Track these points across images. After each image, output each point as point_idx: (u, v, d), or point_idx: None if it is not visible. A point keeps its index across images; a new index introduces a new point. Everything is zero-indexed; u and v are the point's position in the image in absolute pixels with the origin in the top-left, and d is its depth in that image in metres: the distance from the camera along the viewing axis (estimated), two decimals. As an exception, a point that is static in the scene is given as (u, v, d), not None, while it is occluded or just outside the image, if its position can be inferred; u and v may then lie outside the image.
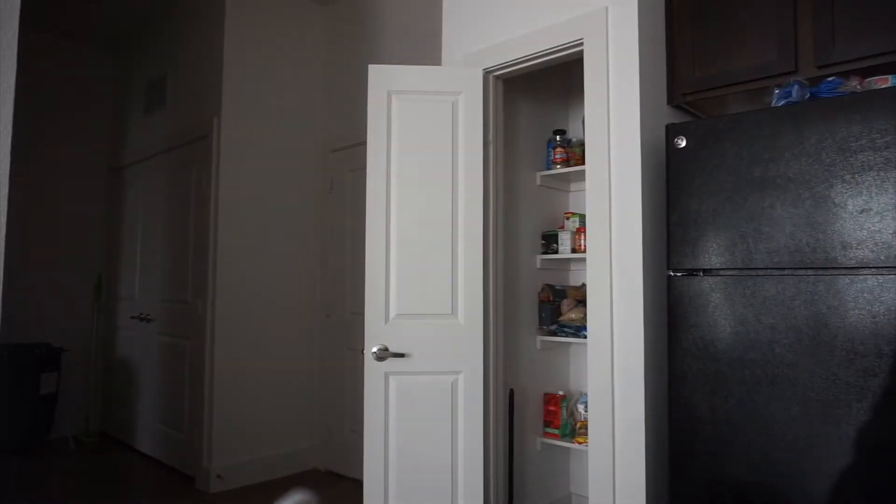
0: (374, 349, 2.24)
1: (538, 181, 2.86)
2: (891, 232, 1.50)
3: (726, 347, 1.74)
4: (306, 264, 3.91)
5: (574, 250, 2.75)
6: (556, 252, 2.80)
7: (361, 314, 3.60)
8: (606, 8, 2.08)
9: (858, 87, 1.71)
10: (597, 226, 2.07)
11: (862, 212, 1.54)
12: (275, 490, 3.43)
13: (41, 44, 4.57)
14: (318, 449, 3.85)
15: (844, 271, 1.57)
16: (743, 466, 1.69)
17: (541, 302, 2.81)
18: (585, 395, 2.78)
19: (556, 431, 2.73)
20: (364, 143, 3.61)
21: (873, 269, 1.53)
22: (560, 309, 2.77)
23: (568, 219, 2.82)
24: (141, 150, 4.41)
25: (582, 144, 2.81)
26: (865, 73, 1.76)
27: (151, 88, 4.35)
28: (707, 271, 1.80)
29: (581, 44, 2.17)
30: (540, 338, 2.79)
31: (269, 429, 3.67)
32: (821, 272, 1.60)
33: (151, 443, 4.03)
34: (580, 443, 2.65)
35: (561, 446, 2.86)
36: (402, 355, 2.25)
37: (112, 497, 3.30)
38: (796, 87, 1.77)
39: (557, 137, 2.83)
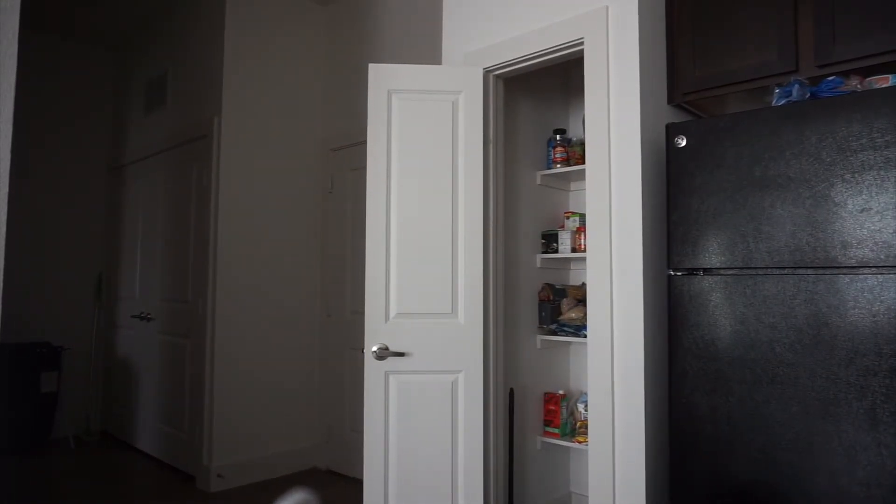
0: (375, 348, 2.24)
1: (538, 180, 2.86)
2: (891, 231, 1.50)
3: (727, 346, 1.74)
4: (307, 263, 3.91)
5: (574, 250, 2.75)
6: (556, 251, 2.80)
7: (362, 313, 3.60)
8: (606, 7, 2.08)
9: (859, 86, 1.71)
10: (597, 225, 2.07)
11: (862, 211, 1.54)
12: (275, 489, 3.43)
13: (41, 44, 4.57)
14: (318, 448, 3.85)
15: (845, 270, 1.57)
16: (743, 465, 1.69)
17: (541, 301, 2.81)
18: (585, 394, 2.78)
19: (557, 431, 2.73)
20: (364, 143, 3.61)
21: (873, 269, 1.53)
22: (560, 308, 2.77)
23: (568, 218, 2.83)
24: (141, 149, 4.41)
25: (582, 144, 2.81)
26: (866, 72, 1.76)
27: (152, 88, 4.35)
28: (707, 270, 1.80)
29: (581, 43, 2.17)
30: (540, 337, 2.79)
31: (269, 428, 3.67)
32: (821, 271, 1.60)
33: (152, 442, 4.03)
34: (580, 442, 2.65)
35: (561, 445, 2.86)
36: (402, 354, 2.25)
37: (113, 496, 3.30)
38: (797, 86, 1.77)
39: (558, 137, 2.83)
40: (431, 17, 3.30)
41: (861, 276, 1.54)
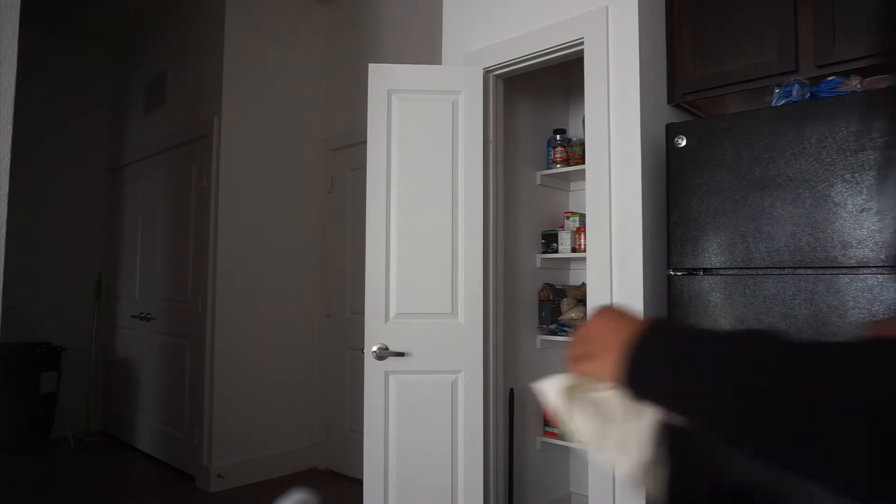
0: (375, 348, 2.24)
1: (538, 180, 2.86)
2: (891, 231, 1.50)
3: (726, 346, 1.74)
4: (306, 263, 3.91)
5: (574, 250, 2.75)
6: (556, 251, 2.80)
7: (361, 313, 3.59)
8: (606, 7, 2.08)
9: (859, 86, 1.71)
10: (597, 225, 2.07)
11: (862, 211, 1.54)
12: (274, 489, 3.42)
13: (41, 44, 4.57)
14: (318, 448, 3.85)
15: (844, 270, 1.57)
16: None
17: (541, 301, 2.81)
18: (585, 394, 2.78)
19: (557, 430, 2.73)
20: (364, 143, 3.60)
21: (873, 269, 1.53)
22: (560, 308, 2.77)
23: (568, 218, 2.82)
24: (141, 149, 4.41)
25: (582, 144, 2.81)
26: (866, 72, 1.76)
27: (151, 88, 4.35)
28: (707, 270, 1.80)
29: (581, 43, 2.17)
30: (540, 337, 2.79)
31: (269, 428, 3.67)
32: (821, 271, 1.60)
33: (151, 442, 4.03)
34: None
35: (561, 445, 2.86)
36: (402, 354, 2.25)
37: (112, 496, 3.30)
38: (796, 86, 1.77)
39: (557, 137, 2.83)
40: (431, 17, 3.30)
41: (861, 276, 1.54)
